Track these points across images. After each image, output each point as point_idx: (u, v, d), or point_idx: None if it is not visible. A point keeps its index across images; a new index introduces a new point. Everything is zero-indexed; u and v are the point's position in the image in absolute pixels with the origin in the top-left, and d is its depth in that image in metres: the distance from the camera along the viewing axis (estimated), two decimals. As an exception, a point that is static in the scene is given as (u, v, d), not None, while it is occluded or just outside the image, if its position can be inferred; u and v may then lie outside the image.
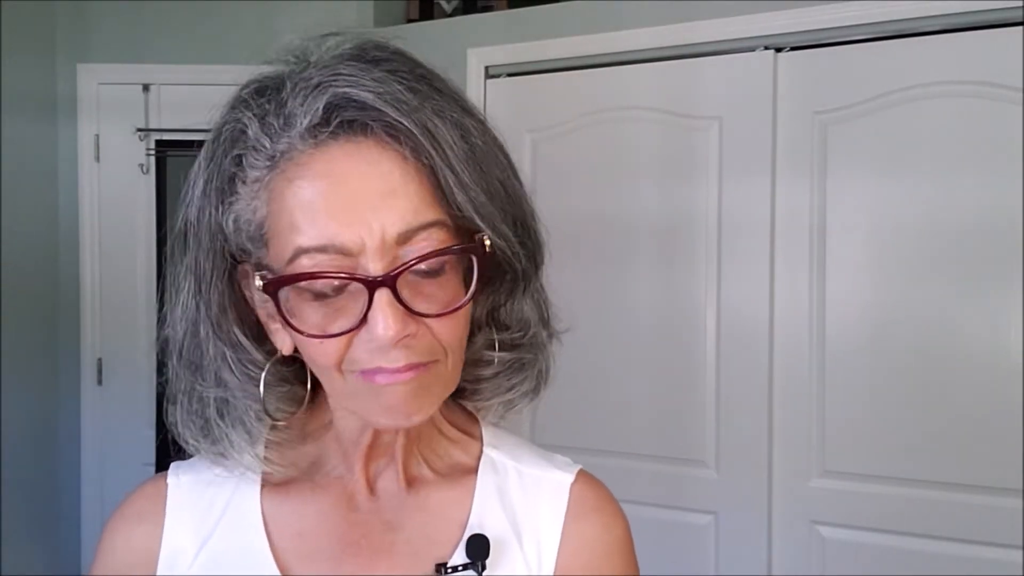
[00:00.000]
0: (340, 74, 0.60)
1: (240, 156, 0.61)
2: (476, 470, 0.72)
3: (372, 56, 0.62)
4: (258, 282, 0.60)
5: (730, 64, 2.41)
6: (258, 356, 0.66)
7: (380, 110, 0.59)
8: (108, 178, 3.04)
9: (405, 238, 0.58)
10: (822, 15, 2.28)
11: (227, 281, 0.65)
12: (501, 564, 0.68)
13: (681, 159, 2.46)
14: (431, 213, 0.59)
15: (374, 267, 0.58)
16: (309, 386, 0.68)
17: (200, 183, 0.64)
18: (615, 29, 2.53)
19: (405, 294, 0.58)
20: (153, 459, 2.95)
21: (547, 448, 0.78)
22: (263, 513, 0.69)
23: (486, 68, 2.68)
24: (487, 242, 0.61)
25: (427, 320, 0.60)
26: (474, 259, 0.61)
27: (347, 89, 0.59)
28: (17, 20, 2.85)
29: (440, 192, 0.60)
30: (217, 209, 0.63)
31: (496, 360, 0.70)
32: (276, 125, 0.60)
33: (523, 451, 0.74)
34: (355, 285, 0.58)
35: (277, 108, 0.61)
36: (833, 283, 2.30)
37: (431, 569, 0.67)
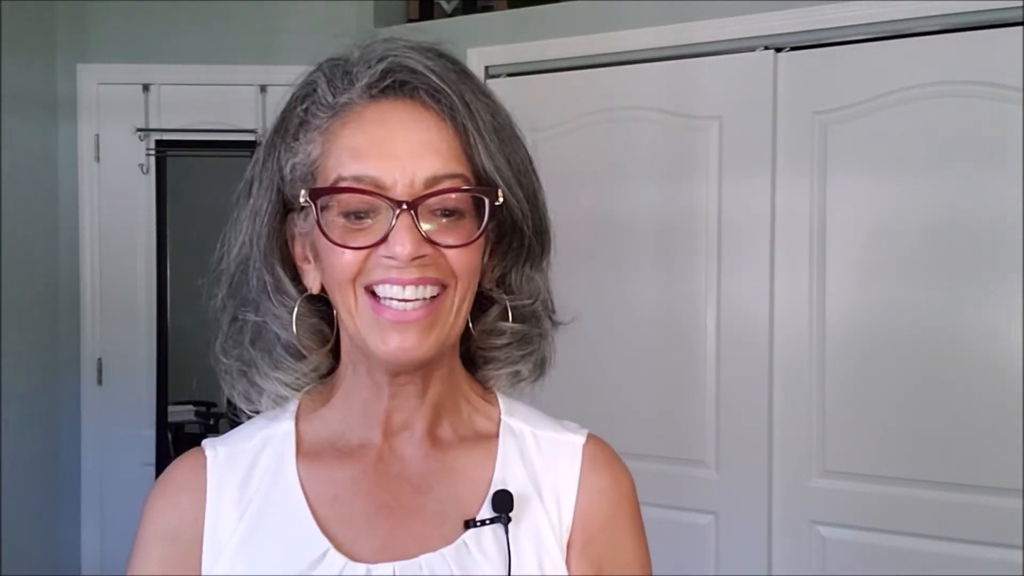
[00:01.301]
0: (398, 49, 0.71)
1: (306, 109, 0.72)
2: (496, 435, 0.78)
3: (427, 46, 0.73)
4: (302, 198, 0.69)
5: (730, 64, 2.41)
6: (292, 290, 0.75)
7: (427, 76, 0.70)
8: (108, 178, 3.04)
9: (432, 182, 0.68)
10: (822, 15, 2.28)
11: (277, 222, 0.74)
12: (524, 516, 0.74)
13: (681, 159, 2.46)
14: (457, 167, 0.69)
15: (401, 198, 0.67)
16: (335, 328, 0.75)
17: (269, 136, 0.74)
18: (615, 29, 2.53)
19: (424, 224, 0.68)
20: (153, 459, 2.95)
21: None
22: (300, 479, 0.74)
23: (486, 68, 2.68)
24: (501, 196, 0.70)
25: (441, 251, 0.69)
26: (487, 202, 0.70)
27: (403, 59, 0.71)
28: (17, 20, 2.85)
29: (467, 153, 0.70)
30: (280, 155, 0.73)
31: (507, 331, 0.77)
32: (341, 83, 0.71)
33: (537, 417, 0.81)
34: (381, 211, 0.68)
35: (343, 71, 0.72)
36: (833, 283, 2.30)
37: (460, 526, 0.73)
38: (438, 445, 0.76)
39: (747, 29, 2.36)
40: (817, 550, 2.31)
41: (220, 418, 3.05)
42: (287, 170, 0.72)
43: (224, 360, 0.78)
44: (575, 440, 0.79)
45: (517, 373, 0.79)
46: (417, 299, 0.68)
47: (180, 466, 0.78)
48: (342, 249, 0.68)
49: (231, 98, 2.97)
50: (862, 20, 2.24)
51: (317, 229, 0.70)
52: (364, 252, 0.68)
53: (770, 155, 2.35)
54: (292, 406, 0.78)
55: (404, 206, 0.66)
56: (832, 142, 2.29)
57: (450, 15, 2.92)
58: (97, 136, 3.03)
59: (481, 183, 0.71)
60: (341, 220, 0.69)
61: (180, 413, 3.03)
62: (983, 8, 2.13)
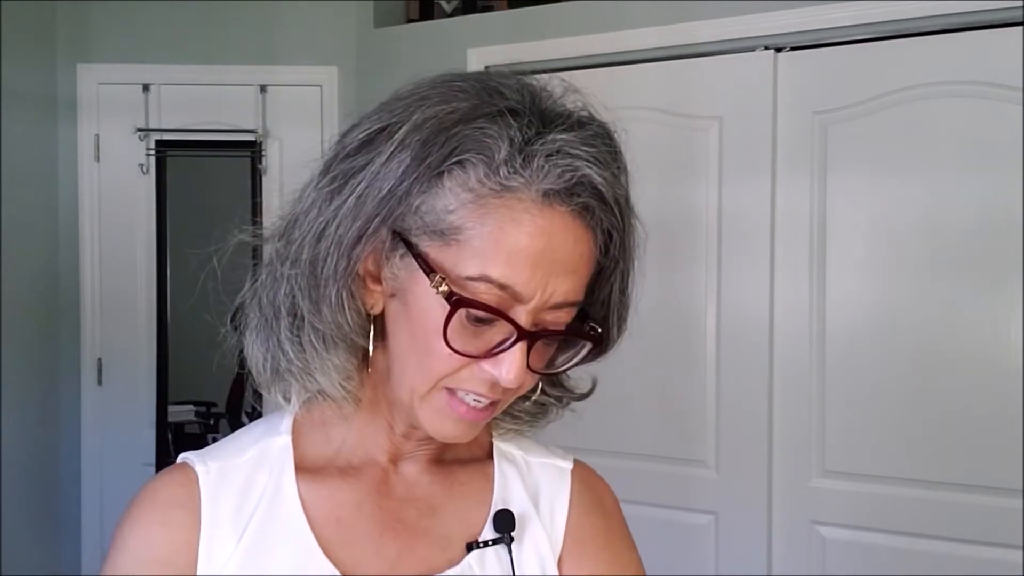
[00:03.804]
0: (583, 153, 0.66)
1: (467, 161, 0.64)
2: (489, 458, 0.79)
3: (607, 151, 0.69)
4: (443, 287, 0.63)
5: (730, 64, 2.41)
6: (361, 307, 0.69)
7: (610, 207, 0.68)
8: (108, 178, 3.04)
9: (560, 305, 0.66)
10: (822, 15, 2.28)
11: (371, 238, 0.66)
12: (526, 536, 0.75)
13: (681, 159, 2.46)
14: (582, 296, 0.68)
15: (525, 318, 0.64)
16: (371, 349, 0.70)
17: (405, 134, 0.64)
18: (615, 29, 2.53)
19: (532, 352, 0.66)
20: (153, 459, 2.95)
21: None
22: (301, 500, 0.71)
23: (486, 68, 2.68)
24: (599, 333, 0.72)
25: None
26: (587, 346, 0.71)
27: (590, 172, 0.66)
28: (17, 20, 2.85)
29: (599, 281, 0.70)
30: (413, 180, 0.64)
31: (531, 400, 0.77)
32: (518, 161, 0.64)
33: (525, 442, 0.82)
34: (505, 325, 0.64)
35: (523, 145, 0.64)
36: (833, 283, 2.30)
37: (464, 547, 0.73)
38: (440, 467, 0.76)
39: (747, 29, 2.36)
40: (817, 550, 2.31)
41: (220, 418, 3.05)
42: (415, 202, 0.64)
43: (287, 349, 0.69)
44: (563, 465, 0.81)
45: (518, 431, 0.80)
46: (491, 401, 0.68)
47: (167, 482, 0.71)
48: (447, 350, 0.64)
49: (231, 98, 2.98)
50: (862, 20, 2.24)
51: (432, 317, 0.64)
52: (465, 361, 0.65)
53: (770, 155, 2.35)
54: (288, 419, 0.74)
55: (527, 335, 0.64)
56: (832, 142, 2.29)
57: (450, 15, 2.92)
58: (97, 136, 3.03)
59: (590, 312, 0.71)
60: (463, 318, 0.64)
61: (180, 413, 3.03)
62: (983, 8, 2.13)
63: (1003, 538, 2.09)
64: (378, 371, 0.72)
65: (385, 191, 0.64)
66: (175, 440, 2.98)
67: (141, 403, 3.01)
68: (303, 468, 0.72)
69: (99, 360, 3.06)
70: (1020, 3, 2.08)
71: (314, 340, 0.68)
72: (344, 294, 0.67)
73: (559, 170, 0.64)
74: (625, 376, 2.53)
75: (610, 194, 0.68)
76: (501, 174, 0.63)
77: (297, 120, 2.96)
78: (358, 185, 0.65)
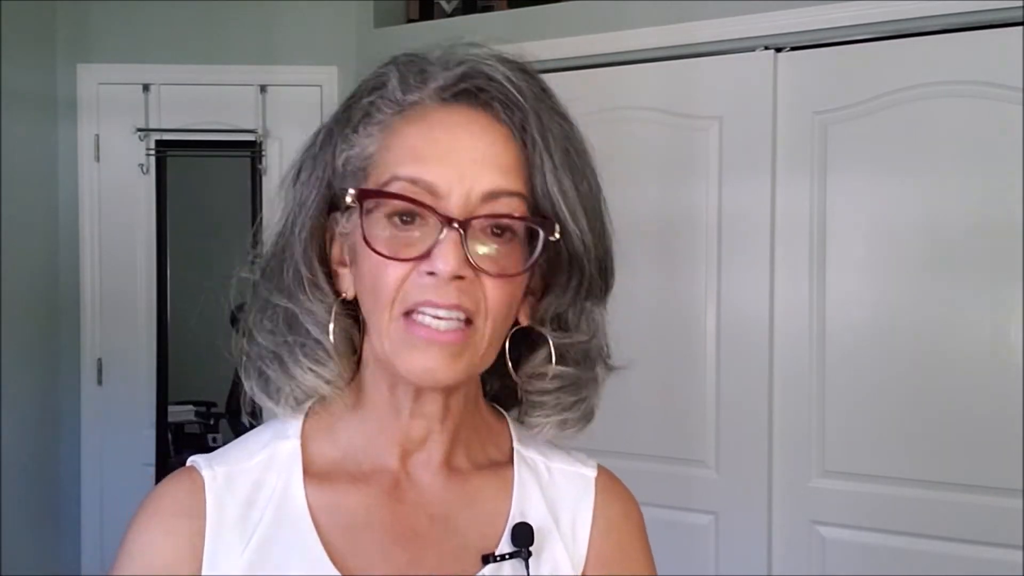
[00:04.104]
0: (480, 56, 0.68)
1: (372, 102, 0.68)
2: (510, 464, 0.76)
3: (511, 58, 0.70)
4: (349, 197, 0.65)
5: (730, 64, 2.41)
6: (328, 289, 0.71)
7: (505, 87, 0.67)
8: (108, 178, 3.04)
9: (489, 197, 0.64)
10: (822, 15, 2.28)
11: (322, 216, 0.70)
12: (544, 550, 0.72)
13: (681, 159, 2.46)
14: (518, 185, 0.66)
15: (453, 211, 0.63)
16: (332, 334, 0.71)
17: (328, 123, 0.71)
18: (615, 29, 2.53)
19: (471, 245, 0.64)
20: (153, 460, 2.95)
21: None
22: (309, 506, 0.69)
23: (486, 68, 2.68)
24: (557, 231, 0.67)
25: (481, 278, 0.64)
26: (541, 234, 0.66)
27: (483, 66, 0.67)
28: (17, 20, 2.85)
29: (532, 174, 0.67)
30: (337, 146, 0.69)
31: (556, 375, 0.73)
32: (413, 80, 0.68)
33: (547, 448, 0.79)
34: (429, 222, 0.64)
35: (419, 68, 0.68)
36: (833, 283, 2.30)
37: (478, 559, 0.70)
38: (455, 473, 0.73)
39: (747, 29, 2.36)
40: (817, 550, 2.31)
41: (220, 418, 3.05)
42: (340, 162, 0.69)
43: (259, 339, 0.71)
44: (587, 473, 0.78)
45: (565, 422, 0.74)
46: (452, 319, 0.64)
47: (173, 488, 0.70)
48: (382, 260, 0.64)
49: (231, 98, 2.98)
50: (862, 20, 2.24)
51: (359, 232, 0.66)
52: (404, 269, 0.64)
53: (770, 155, 2.35)
54: (296, 423, 0.72)
55: (454, 224, 0.63)
56: (832, 142, 2.29)
57: (450, 15, 2.92)
58: (97, 136, 3.03)
59: (540, 208, 0.67)
60: (385, 223, 0.65)
61: (180, 413, 3.03)
62: (983, 8, 2.12)
63: (1003, 538, 2.09)
64: (367, 358, 0.71)
65: (319, 167, 0.69)
66: (175, 440, 2.98)
67: (141, 403, 3.01)
68: (312, 473, 0.71)
69: (99, 360, 3.06)
70: (1020, 3, 2.08)
71: (288, 335, 0.70)
72: (308, 280, 0.69)
73: (458, 69, 0.67)
74: (625, 375, 2.52)
75: (513, 87, 0.67)
76: (397, 96, 0.68)
77: (297, 120, 2.95)
78: (300, 174, 0.71)
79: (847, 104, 2.27)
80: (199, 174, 3.05)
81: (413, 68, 0.69)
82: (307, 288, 0.69)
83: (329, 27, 2.97)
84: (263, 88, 2.97)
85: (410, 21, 3.01)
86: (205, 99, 2.98)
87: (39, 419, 2.97)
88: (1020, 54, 2.09)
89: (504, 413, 0.79)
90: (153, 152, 2.99)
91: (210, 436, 3.01)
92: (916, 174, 2.20)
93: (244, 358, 0.72)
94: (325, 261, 0.71)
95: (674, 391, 2.48)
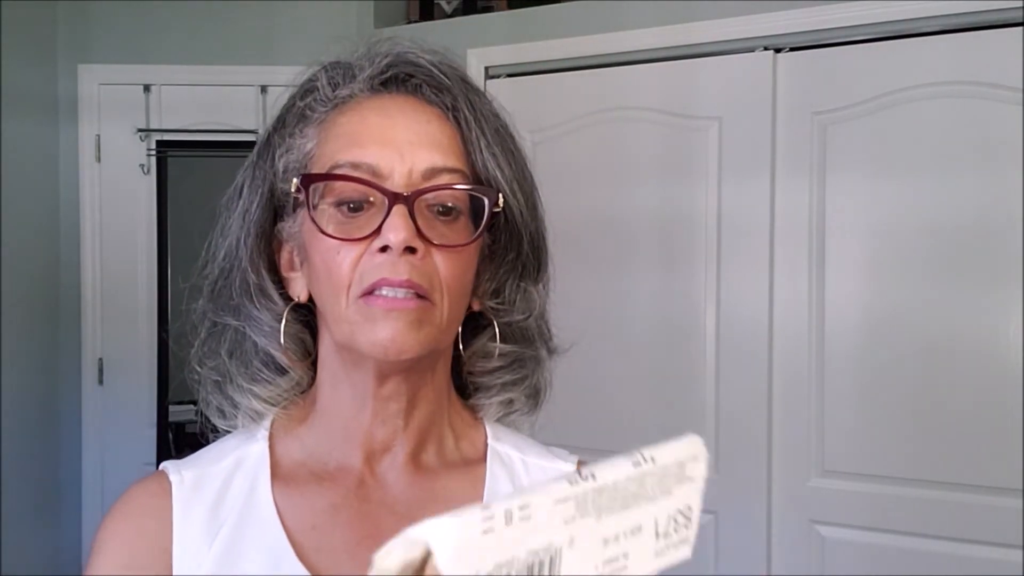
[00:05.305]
0: (404, 47, 0.71)
1: (306, 105, 0.70)
2: (483, 461, 0.75)
3: (430, 48, 0.73)
4: (294, 186, 0.68)
5: (730, 64, 2.41)
6: (276, 295, 0.72)
7: (430, 71, 0.70)
8: (109, 178, 3.04)
9: (431, 175, 0.66)
10: (822, 15, 2.28)
11: (267, 224, 0.72)
12: None
13: (681, 159, 2.47)
14: (457, 162, 0.68)
15: (398, 188, 0.65)
16: (319, 338, 0.73)
17: (264, 134, 0.73)
18: (615, 29, 2.53)
19: (419, 220, 0.65)
20: (154, 459, 2.95)
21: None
22: (276, 506, 0.70)
23: (486, 68, 2.68)
24: (501, 199, 0.69)
25: (432, 252, 0.66)
26: (486, 203, 0.68)
27: (408, 55, 0.71)
28: (18, 20, 2.85)
29: (468, 151, 0.69)
30: (275, 152, 0.71)
31: (498, 353, 0.74)
32: (342, 79, 0.70)
33: (524, 443, 0.78)
34: (376, 204, 0.66)
35: (345, 69, 0.71)
36: (833, 283, 2.30)
37: None
38: (422, 471, 0.72)
39: (747, 29, 2.36)
40: (817, 550, 2.31)
41: (220, 418, 3.05)
42: (280, 166, 0.70)
43: (199, 371, 0.75)
44: (565, 468, 0.76)
45: (510, 402, 0.76)
46: (409, 297, 0.65)
47: (140, 491, 0.71)
48: (334, 245, 0.65)
49: (231, 98, 2.98)
50: (862, 20, 2.24)
51: (308, 222, 0.67)
52: (357, 250, 0.65)
53: (770, 155, 2.35)
54: (265, 425, 0.74)
55: (400, 197, 0.64)
56: (832, 142, 2.30)
57: (450, 15, 2.92)
58: (98, 136, 3.03)
59: (480, 184, 0.69)
60: (332, 212, 0.66)
61: (181, 413, 3.03)
62: (983, 8, 2.13)
63: (1003, 538, 2.09)
64: (324, 359, 0.72)
65: (259, 176, 0.71)
66: (176, 440, 2.98)
67: (142, 403, 3.01)
68: (279, 475, 0.71)
69: (100, 360, 3.06)
70: (1020, 3, 2.08)
71: (230, 361, 0.73)
72: (256, 287, 0.71)
73: (383, 61, 0.70)
74: (624, 376, 2.53)
75: (438, 71, 0.70)
76: (328, 94, 0.70)
77: (297, 120, 2.96)
78: (242, 190, 0.72)
79: (846, 104, 2.28)
80: (200, 174, 3.05)
81: (340, 68, 0.71)
82: (255, 296, 0.71)
83: (329, 27, 2.97)
84: (263, 88, 2.97)
85: (410, 22, 3.02)
86: (206, 99, 2.98)
87: (40, 419, 2.97)
88: (1020, 54, 2.09)
89: (479, 416, 0.79)
90: (154, 152, 2.99)
91: (211, 436, 3.01)
92: (915, 174, 2.21)
93: (197, 386, 0.75)
94: (274, 269, 0.73)
95: (674, 391, 2.48)
